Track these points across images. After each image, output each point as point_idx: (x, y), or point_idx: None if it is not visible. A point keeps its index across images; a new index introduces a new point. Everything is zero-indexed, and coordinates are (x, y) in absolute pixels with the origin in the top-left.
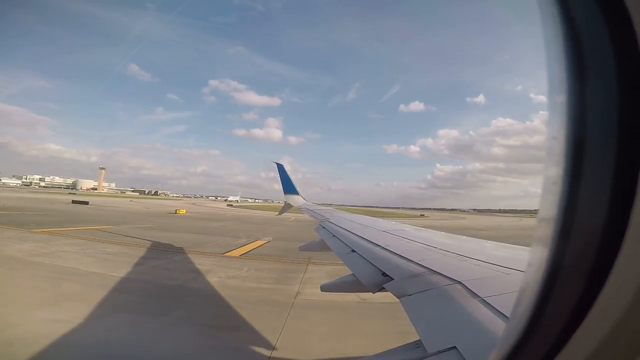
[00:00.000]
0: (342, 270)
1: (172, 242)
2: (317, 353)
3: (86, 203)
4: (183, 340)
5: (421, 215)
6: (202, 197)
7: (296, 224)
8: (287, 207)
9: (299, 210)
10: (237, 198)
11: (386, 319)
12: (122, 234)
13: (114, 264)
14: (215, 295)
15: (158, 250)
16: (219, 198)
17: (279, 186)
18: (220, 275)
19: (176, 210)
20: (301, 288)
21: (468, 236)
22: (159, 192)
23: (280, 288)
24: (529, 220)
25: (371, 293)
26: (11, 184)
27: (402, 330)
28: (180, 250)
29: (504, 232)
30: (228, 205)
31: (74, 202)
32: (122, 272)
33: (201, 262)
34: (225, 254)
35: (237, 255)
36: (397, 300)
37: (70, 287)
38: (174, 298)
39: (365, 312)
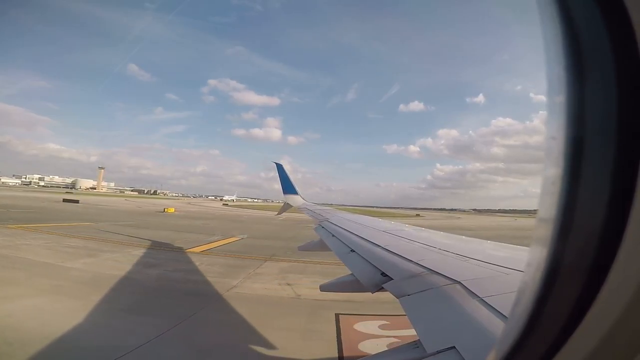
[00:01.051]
0: (299, 267)
1: (142, 237)
2: (200, 344)
3: (77, 202)
4: (83, 319)
5: (417, 215)
6: (201, 196)
7: (282, 223)
8: (287, 207)
9: (299, 210)
10: (233, 197)
11: (304, 316)
12: (98, 230)
13: (67, 256)
14: (147, 285)
15: (122, 244)
16: (217, 198)
17: (278, 186)
18: (166, 268)
19: (165, 209)
20: (241, 282)
21: (456, 235)
22: (158, 191)
23: (218, 281)
24: (525, 220)
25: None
26: (10, 183)
27: (311, 328)
28: (143, 245)
29: (492, 232)
30: (224, 204)
31: (65, 200)
32: (70, 263)
33: (157, 256)
34: (187, 250)
35: (199, 251)
36: (334, 297)
37: (11, 274)
38: (105, 286)
39: (292, 308)
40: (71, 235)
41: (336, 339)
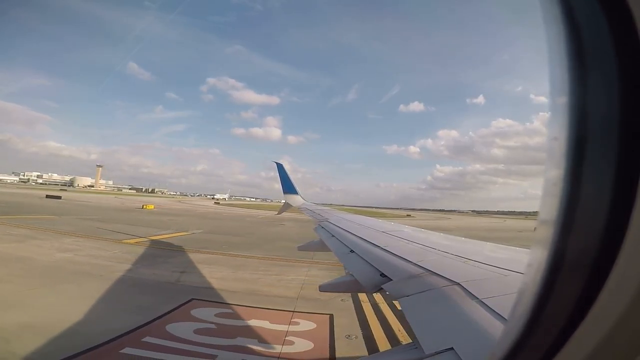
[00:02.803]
0: (214, 258)
1: (89, 229)
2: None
3: (59, 198)
4: None
5: (407, 215)
6: (200, 195)
7: (257, 221)
8: (287, 206)
9: (298, 210)
10: (226, 196)
11: (159, 297)
12: (54, 223)
13: None
14: (44, 265)
15: (63, 234)
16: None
17: (278, 186)
18: (78, 253)
19: (143, 206)
20: (134, 267)
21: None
22: (156, 190)
23: (115, 266)
24: (513, 222)
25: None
26: (8, 181)
27: (149, 307)
28: (82, 236)
29: (466, 232)
30: (215, 203)
31: (47, 196)
32: None
33: (82, 244)
34: (123, 241)
35: (133, 242)
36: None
37: None
38: (9, 262)
39: (157, 290)
40: (19, 226)
41: (158, 316)
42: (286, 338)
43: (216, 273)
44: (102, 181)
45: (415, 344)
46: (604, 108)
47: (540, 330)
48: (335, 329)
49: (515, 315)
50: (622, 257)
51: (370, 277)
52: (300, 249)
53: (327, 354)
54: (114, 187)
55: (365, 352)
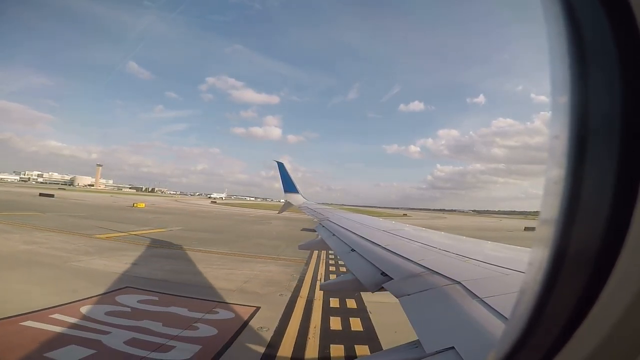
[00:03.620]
0: (174, 254)
1: (67, 225)
2: None
3: (52, 196)
4: None
5: (404, 214)
6: (200, 194)
7: (246, 219)
8: (287, 205)
9: (299, 209)
10: (222, 195)
11: (91, 283)
12: (36, 218)
13: None
14: (4, 255)
15: (36, 229)
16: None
17: (278, 185)
18: (43, 246)
19: (134, 204)
20: (90, 259)
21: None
22: (156, 189)
23: (71, 257)
24: (508, 221)
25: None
26: (8, 180)
27: (77, 289)
28: (54, 230)
29: (456, 231)
30: (212, 202)
31: (41, 195)
32: None
33: (52, 238)
34: (94, 236)
35: (104, 237)
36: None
37: None
38: None
39: (91, 277)
40: None
41: (80, 299)
42: (194, 324)
43: (167, 266)
44: (102, 180)
45: (416, 343)
46: (606, 106)
47: (542, 329)
48: (253, 321)
49: (516, 314)
50: (623, 256)
51: (371, 276)
52: (301, 247)
53: (225, 342)
54: (113, 186)
55: (264, 343)
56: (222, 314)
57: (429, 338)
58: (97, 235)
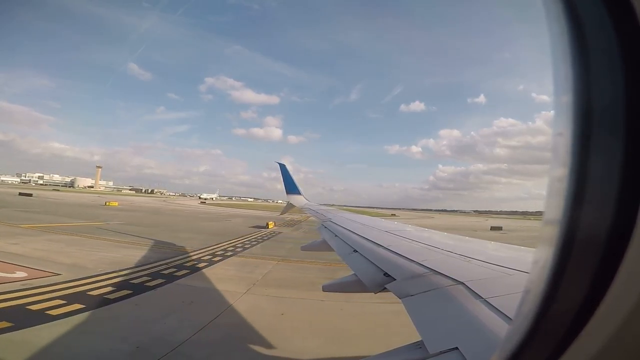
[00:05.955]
0: (80, 240)
1: (4, 217)
2: None
3: (30, 195)
4: None
5: (392, 214)
6: (192, 196)
7: (211, 217)
8: (289, 206)
9: (301, 209)
10: (213, 196)
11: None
12: None
13: None
14: None
15: None
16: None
17: (280, 186)
18: None
19: (106, 202)
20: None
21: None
22: (155, 190)
23: None
24: (493, 220)
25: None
26: (8, 181)
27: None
28: None
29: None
30: (201, 202)
31: (20, 194)
32: None
33: None
34: (21, 225)
35: (26, 227)
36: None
37: None
38: None
39: None
40: None
41: None
42: None
43: (46, 246)
44: (102, 182)
45: (419, 343)
46: (609, 103)
47: (546, 329)
48: (34, 281)
49: (520, 314)
50: (629, 256)
51: (374, 276)
52: (304, 249)
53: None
54: (113, 187)
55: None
56: (18, 274)
57: (433, 338)
58: (22, 225)
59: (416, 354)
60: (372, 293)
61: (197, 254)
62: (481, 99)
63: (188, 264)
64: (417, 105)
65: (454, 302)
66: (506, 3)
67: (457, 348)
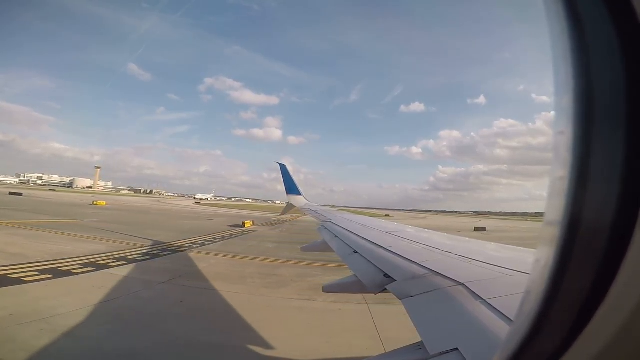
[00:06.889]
0: (45, 235)
1: None
2: None
3: (20, 194)
4: None
5: (386, 215)
6: (186, 195)
7: (194, 217)
8: (290, 207)
9: (301, 210)
10: (209, 196)
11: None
12: None
13: None
14: None
15: None
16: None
17: (280, 187)
18: None
19: (93, 202)
20: None
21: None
22: (154, 191)
23: None
24: (485, 221)
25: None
26: (7, 182)
27: None
28: None
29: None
30: (195, 203)
31: (10, 193)
32: None
33: None
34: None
35: (6, 222)
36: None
37: None
38: None
39: None
40: None
41: None
42: None
43: (5, 238)
44: (101, 182)
45: (419, 344)
46: (610, 103)
47: (547, 330)
48: None
49: (521, 315)
50: (630, 256)
51: (374, 277)
52: (304, 249)
53: None
54: (112, 188)
55: None
56: None
57: (433, 339)
58: (1, 222)
59: (417, 355)
60: (373, 294)
61: (149, 249)
62: (481, 99)
63: (130, 257)
64: (417, 106)
65: (454, 303)
66: (506, 3)
67: (457, 349)
